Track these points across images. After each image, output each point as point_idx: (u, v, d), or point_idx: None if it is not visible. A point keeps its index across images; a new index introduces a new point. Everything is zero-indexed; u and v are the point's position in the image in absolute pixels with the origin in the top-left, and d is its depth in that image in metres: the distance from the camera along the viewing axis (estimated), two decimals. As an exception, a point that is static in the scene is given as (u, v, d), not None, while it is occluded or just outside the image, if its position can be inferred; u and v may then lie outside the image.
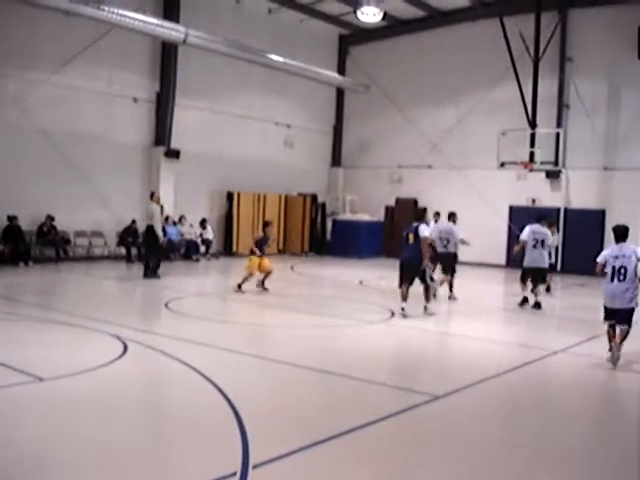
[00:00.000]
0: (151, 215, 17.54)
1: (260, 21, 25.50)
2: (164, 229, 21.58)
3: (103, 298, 15.05)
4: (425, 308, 13.55)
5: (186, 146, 22.92)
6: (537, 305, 14.93)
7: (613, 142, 23.59)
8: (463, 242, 16.19)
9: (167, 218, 22.02)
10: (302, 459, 5.81)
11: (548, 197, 24.54)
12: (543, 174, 24.26)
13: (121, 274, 19.17)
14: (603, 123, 23.79)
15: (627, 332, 9.69)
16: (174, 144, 22.78)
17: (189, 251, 22.46)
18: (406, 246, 13.79)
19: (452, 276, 15.97)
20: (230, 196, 24.82)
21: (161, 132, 22.68)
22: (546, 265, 15.31)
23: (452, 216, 16.36)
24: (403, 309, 13.18)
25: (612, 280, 9.78)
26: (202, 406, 7.14)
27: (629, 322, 9.70)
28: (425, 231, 13.49)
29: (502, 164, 23.00)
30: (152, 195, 18.13)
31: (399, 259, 14.03)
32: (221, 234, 24.82)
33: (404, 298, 13.29)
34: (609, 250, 10.12)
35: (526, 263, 15.16)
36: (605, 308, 9.89)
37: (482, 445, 6.43)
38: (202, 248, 23.06)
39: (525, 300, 15.18)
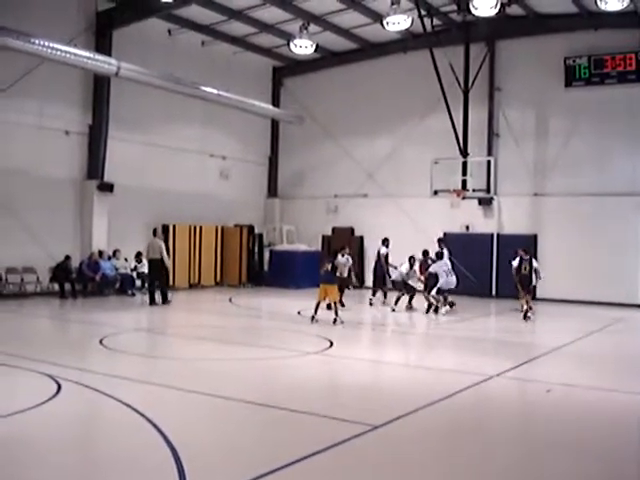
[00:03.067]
0: (159, 249, 19.82)
1: (193, 53, 25.54)
2: (98, 264, 21.33)
3: (36, 336, 14.67)
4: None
5: (120, 179, 22.66)
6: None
7: (542, 169, 24.23)
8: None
9: (101, 253, 21.70)
10: (241, 496, 5.74)
11: (481, 223, 25.02)
12: (475, 201, 24.71)
13: (54, 311, 18.74)
14: (532, 150, 24.45)
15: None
16: (108, 177, 22.51)
17: (124, 286, 22.07)
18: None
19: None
20: (165, 229, 24.55)
21: (94, 165, 22.39)
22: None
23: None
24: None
25: (446, 277, 18.60)
26: (139, 445, 7.01)
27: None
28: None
29: (435, 192, 23.43)
30: (155, 232, 20.48)
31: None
32: (157, 267, 24.49)
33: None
34: (438, 265, 18.88)
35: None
36: (440, 288, 18.62)
37: (424, 474, 6.46)
38: (138, 282, 22.69)
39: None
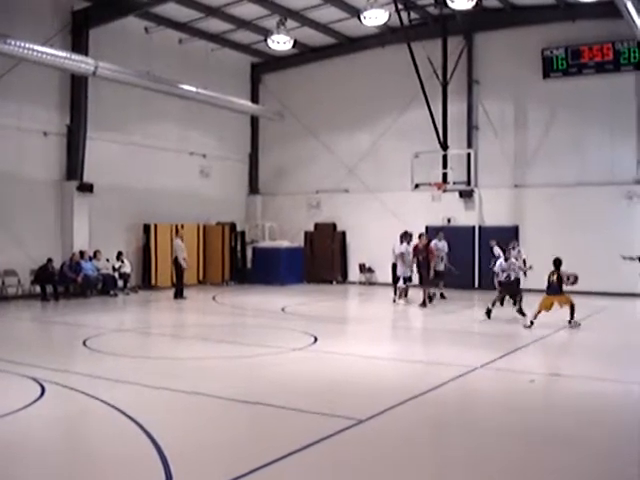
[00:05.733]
0: (174, 249, 21.78)
1: (171, 51, 25.41)
2: (79, 265, 21.19)
3: (18, 339, 14.54)
4: None
5: (100, 179, 22.50)
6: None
7: (522, 160, 24.36)
8: None
9: (82, 253, 21.56)
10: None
11: (462, 216, 25.10)
12: (456, 194, 24.79)
13: (36, 314, 18.61)
14: (512, 142, 24.57)
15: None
16: (87, 178, 22.34)
17: (106, 286, 21.96)
18: None
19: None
20: (147, 228, 24.48)
21: (73, 166, 22.22)
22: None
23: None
24: None
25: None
26: (124, 445, 6.98)
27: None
28: None
29: (416, 185, 23.48)
30: (177, 232, 22.46)
31: None
32: (139, 267, 24.42)
33: None
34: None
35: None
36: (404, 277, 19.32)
37: (410, 467, 6.47)
38: (120, 282, 22.58)
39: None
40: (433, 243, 21.12)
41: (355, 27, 24.85)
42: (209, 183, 27.50)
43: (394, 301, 19.94)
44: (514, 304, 16.41)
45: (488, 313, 16.22)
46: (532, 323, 14.95)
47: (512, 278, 16.30)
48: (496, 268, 16.54)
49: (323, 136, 27.98)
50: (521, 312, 15.95)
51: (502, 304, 16.88)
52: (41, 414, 8.13)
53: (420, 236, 20.07)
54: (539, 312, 15.00)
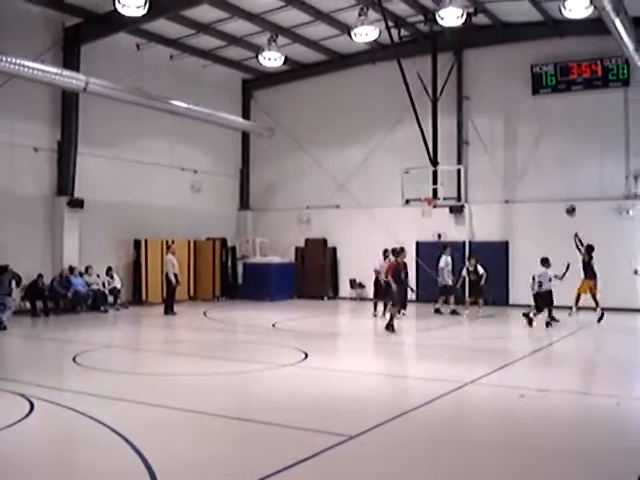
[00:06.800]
0: (165, 264, 21.88)
1: (162, 68, 25.47)
2: (69, 280, 21.10)
3: (7, 355, 14.50)
4: None
5: (91, 195, 22.47)
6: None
7: (512, 175, 24.46)
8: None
9: (72, 269, 21.49)
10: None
11: (453, 231, 25.16)
12: (447, 209, 24.84)
13: (27, 329, 18.48)
14: (502, 157, 24.68)
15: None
16: (78, 193, 22.31)
17: (97, 302, 21.89)
18: None
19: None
20: (137, 244, 24.43)
21: (64, 182, 22.18)
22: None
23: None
24: None
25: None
26: (113, 463, 6.93)
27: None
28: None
29: (407, 201, 23.52)
30: (168, 247, 22.37)
31: None
32: (130, 283, 24.35)
33: None
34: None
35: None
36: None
37: (398, 483, 6.47)
38: (110, 298, 22.50)
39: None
40: (443, 259, 21.20)
41: (346, 44, 24.97)
42: (200, 198, 27.50)
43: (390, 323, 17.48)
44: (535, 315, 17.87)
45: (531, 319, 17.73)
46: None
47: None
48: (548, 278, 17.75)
49: (314, 152, 28.04)
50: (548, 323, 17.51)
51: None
52: (30, 431, 8.08)
53: (399, 253, 17.99)
54: (579, 297, 17.86)
